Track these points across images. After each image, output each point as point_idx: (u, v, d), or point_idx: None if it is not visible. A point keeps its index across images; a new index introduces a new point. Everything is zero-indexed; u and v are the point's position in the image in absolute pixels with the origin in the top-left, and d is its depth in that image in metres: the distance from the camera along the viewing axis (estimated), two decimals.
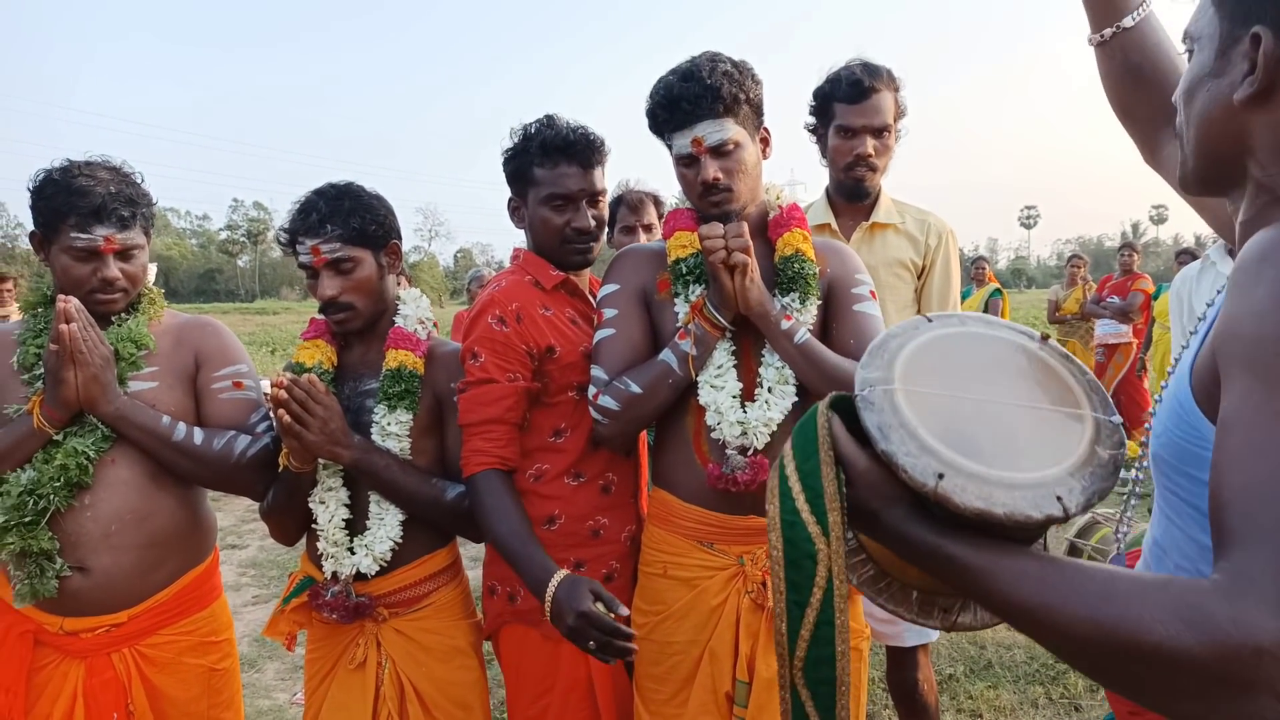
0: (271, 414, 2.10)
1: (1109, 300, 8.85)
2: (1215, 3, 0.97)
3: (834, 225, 2.61)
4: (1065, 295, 9.65)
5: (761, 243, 1.95)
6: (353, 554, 1.94)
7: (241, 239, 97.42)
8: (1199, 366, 0.92)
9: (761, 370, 1.91)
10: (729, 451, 1.87)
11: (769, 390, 1.89)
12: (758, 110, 1.89)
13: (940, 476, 0.86)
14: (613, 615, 1.69)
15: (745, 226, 1.82)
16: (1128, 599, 0.75)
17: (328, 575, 1.95)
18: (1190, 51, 1.03)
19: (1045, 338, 1.07)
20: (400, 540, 1.96)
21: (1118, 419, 0.96)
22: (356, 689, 1.95)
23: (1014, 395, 0.97)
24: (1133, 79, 1.38)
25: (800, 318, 1.87)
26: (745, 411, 1.88)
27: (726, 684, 1.87)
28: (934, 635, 2.63)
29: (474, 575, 2.19)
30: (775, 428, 1.88)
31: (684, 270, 1.92)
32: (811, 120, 2.57)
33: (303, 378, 1.84)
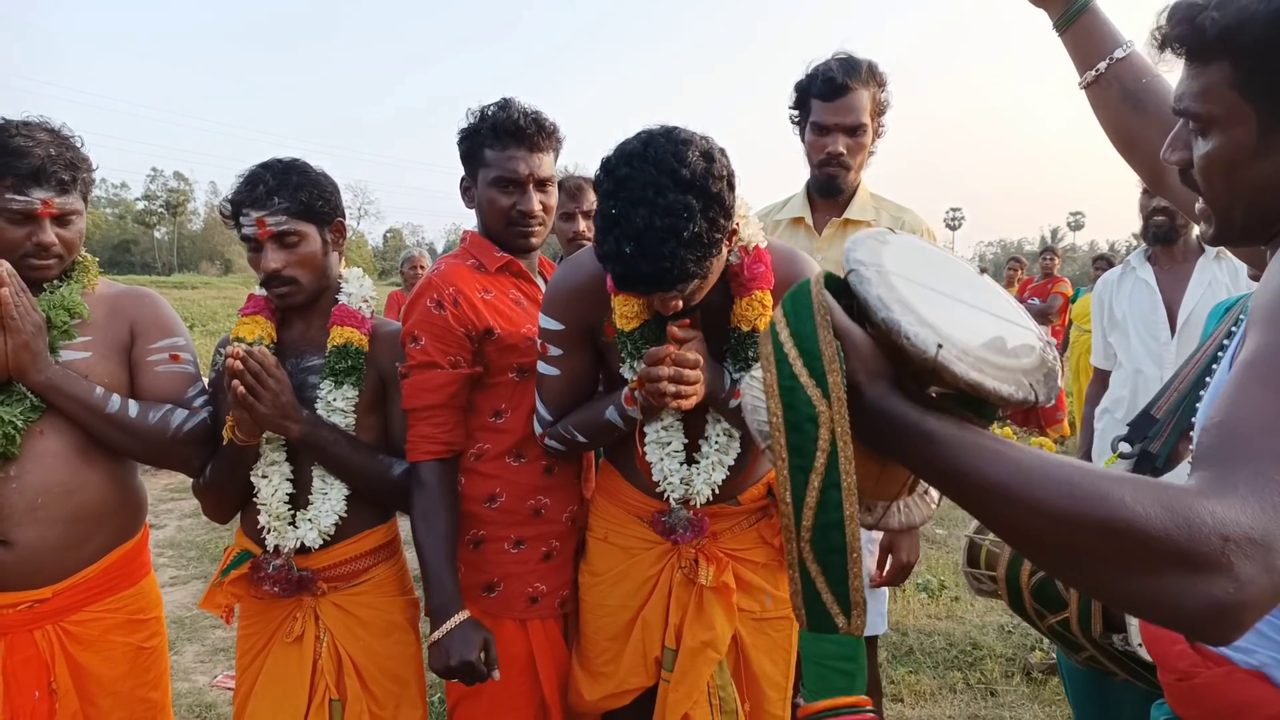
0: (208, 388, 2.07)
1: (1030, 302, 9.17)
2: (1240, 86, 1.01)
3: (809, 220, 2.63)
4: None
5: (720, 290, 1.81)
6: (295, 528, 1.94)
7: (160, 210, 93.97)
8: None
9: (709, 426, 1.90)
10: (673, 503, 1.90)
11: (715, 448, 1.89)
12: (729, 220, 1.63)
13: (940, 346, 0.88)
14: (489, 673, 1.83)
15: (699, 369, 1.71)
16: (1108, 482, 0.81)
17: (269, 549, 1.94)
18: (1193, 125, 1.07)
19: (983, 270, 1.13)
20: (344, 514, 1.96)
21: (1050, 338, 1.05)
22: (294, 662, 1.94)
23: (983, 303, 1.03)
24: (1132, 107, 1.45)
25: None
26: (689, 469, 1.89)
27: (656, 650, 1.96)
28: (880, 629, 2.67)
29: (411, 555, 2.19)
30: (718, 488, 1.90)
31: (629, 345, 1.81)
32: (794, 112, 2.56)
33: (255, 350, 1.81)
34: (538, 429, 1.95)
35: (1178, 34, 1.04)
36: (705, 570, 1.91)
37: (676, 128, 1.61)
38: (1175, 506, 0.77)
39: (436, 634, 1.83)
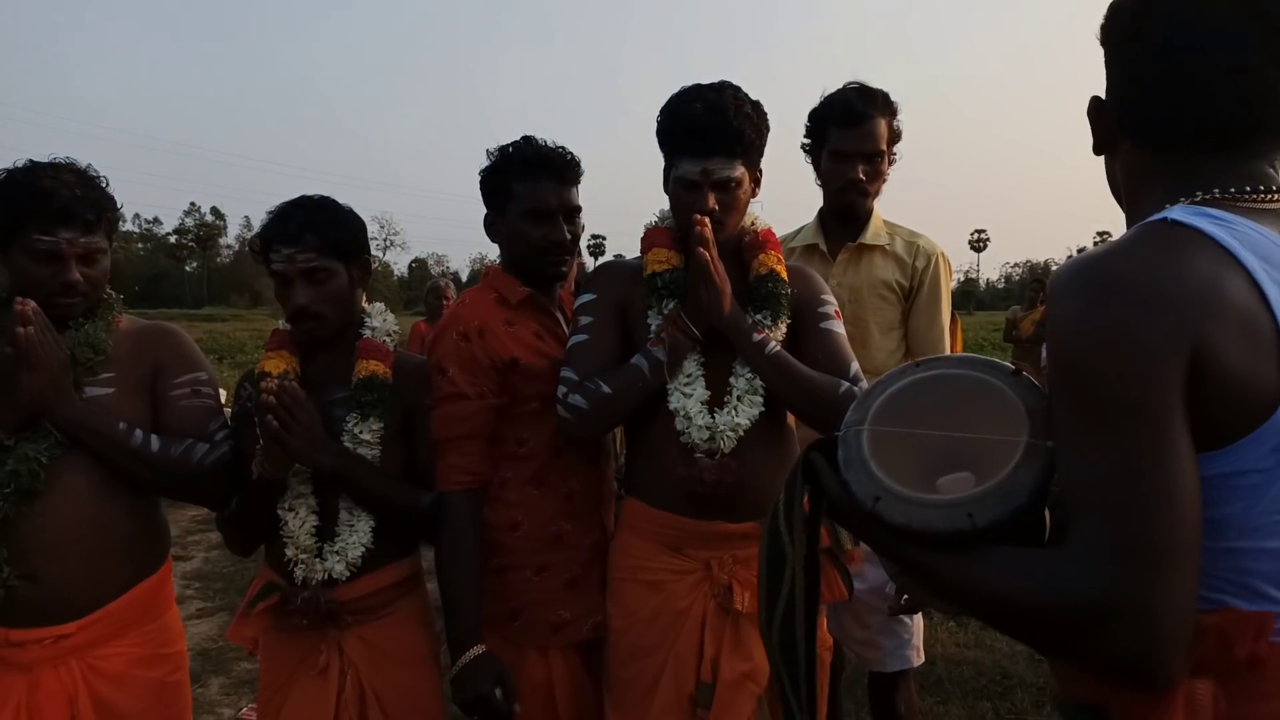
0: (231, 422, 2.09)
1: None
2: None
3: (823, 246, 2.64)
4: (1023, 316, 9.83)
5: (734, 264, 2.00)
6: (322, 560, 1.94)
7: (191, 244, 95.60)
8: None
9: (732, 380, 1.93)
10: (697, 455, 1.90)
11: (738, 399, 1.92)
12: (761, 153, 1.95)
13: (876, 499, 1.08)
14: (509, 708, 1.81)
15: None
16: (1015, 575, 0.98)
17: (298, 581, 1.94)
18: None
19: (1018, 371, 1.16)
20: (371, 546, 1.96)
21: (1051, 443, 1.05)
22: (318, 695, 1.94)
23: (961, 427, 1.12)
24: None
25: (771, 333, 1.93)
26: (713, 417, 1.90)
27: (689, 685, 1.89)
28: (915, 661, 2.59)
29: (434, 588, 2.19)
30: (743, 433, 1.90)
31: (659, 284, 1.95)
32: (807, 141, 2.59)
33: (287, 384, 1.84)
34: (561, 391, 1.92)
35: None
36: (741, 595, 1.88)
37: None
38: (1054, 585, 0.94)
39: (456, 667, 1.83)
